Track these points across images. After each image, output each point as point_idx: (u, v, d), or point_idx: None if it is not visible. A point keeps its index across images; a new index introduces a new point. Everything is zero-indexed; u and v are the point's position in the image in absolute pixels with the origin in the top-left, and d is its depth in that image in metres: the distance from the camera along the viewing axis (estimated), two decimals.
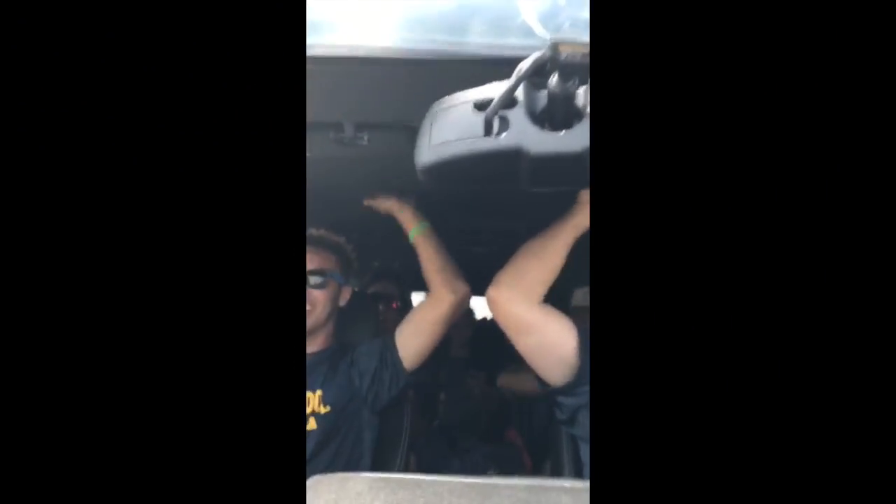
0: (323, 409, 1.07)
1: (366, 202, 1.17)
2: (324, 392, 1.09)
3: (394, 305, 1.81)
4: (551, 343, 0.88)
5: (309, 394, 1.08)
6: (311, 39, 0.53)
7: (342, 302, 1.19)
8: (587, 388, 0.86)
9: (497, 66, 0.49)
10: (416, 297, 1.90)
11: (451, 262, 1.13)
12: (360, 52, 0.59)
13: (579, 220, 0.90)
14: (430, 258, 1.12)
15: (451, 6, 0.57)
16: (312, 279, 1.12)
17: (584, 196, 0.91)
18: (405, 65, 0.59)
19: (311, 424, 1.06)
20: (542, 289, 0.89)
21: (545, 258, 0.90)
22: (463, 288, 1.12)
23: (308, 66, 0.45)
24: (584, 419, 0.90)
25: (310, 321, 1.11)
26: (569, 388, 0.88)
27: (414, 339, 1.13)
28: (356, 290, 1.32)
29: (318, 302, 1.12)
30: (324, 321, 1.14)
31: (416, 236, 1.13)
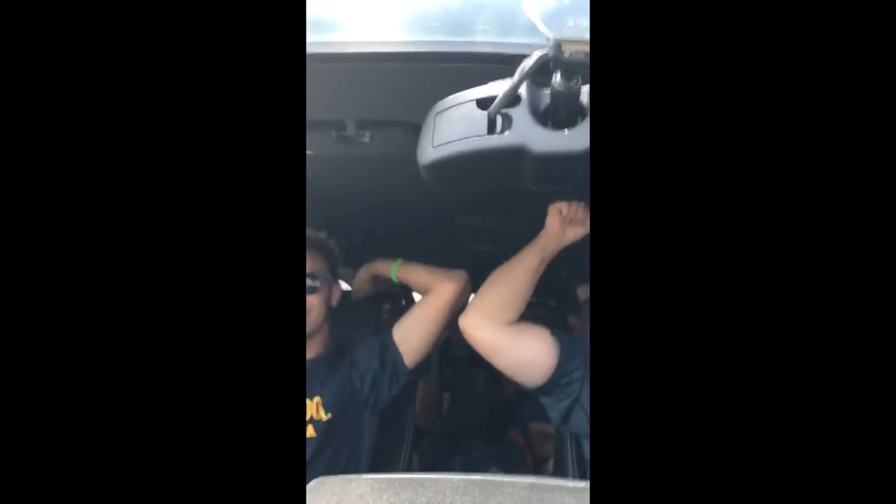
0: (324, 416, 1.04)
1: (355, 289, 1.29)
2: (323, 396, 1.06)
3: (402, 302, 1.81)
4: (521, 359, 0.93)
5: (307, 400, 1.05)
6: (315, 37, 0.53)
7: (334, 302, 1.17)
8: (568, 387, 0.91)
9: (500, 64, 0.48)
10: (417, 297, 1.91)
11: (439, 269, 1.16)
12: (364, 49, 0.58)
13: (543, 244, 0.94)
14: (418, 277, 1.18)
15: (455, 4, 0.57)
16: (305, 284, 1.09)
17: (551, 220, 0.95)
18: (408, 62, 0.59)
19: (310, 432, 1.03)
20: (507, 311, 0.93)
21: (508, 282, 0.94)
22: (460, 275, 1.12)
23: (311, 64, 0.45)
24: (577, 416, 0.92)
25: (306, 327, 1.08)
26: (546, 389, 0.92)
27: (414, 332, 1.11)
28: (348, 288, 1.33)
29: (312, 307, 1.08)
30: (319, 325, 1.12)
31: (398, 270, 1.19)
